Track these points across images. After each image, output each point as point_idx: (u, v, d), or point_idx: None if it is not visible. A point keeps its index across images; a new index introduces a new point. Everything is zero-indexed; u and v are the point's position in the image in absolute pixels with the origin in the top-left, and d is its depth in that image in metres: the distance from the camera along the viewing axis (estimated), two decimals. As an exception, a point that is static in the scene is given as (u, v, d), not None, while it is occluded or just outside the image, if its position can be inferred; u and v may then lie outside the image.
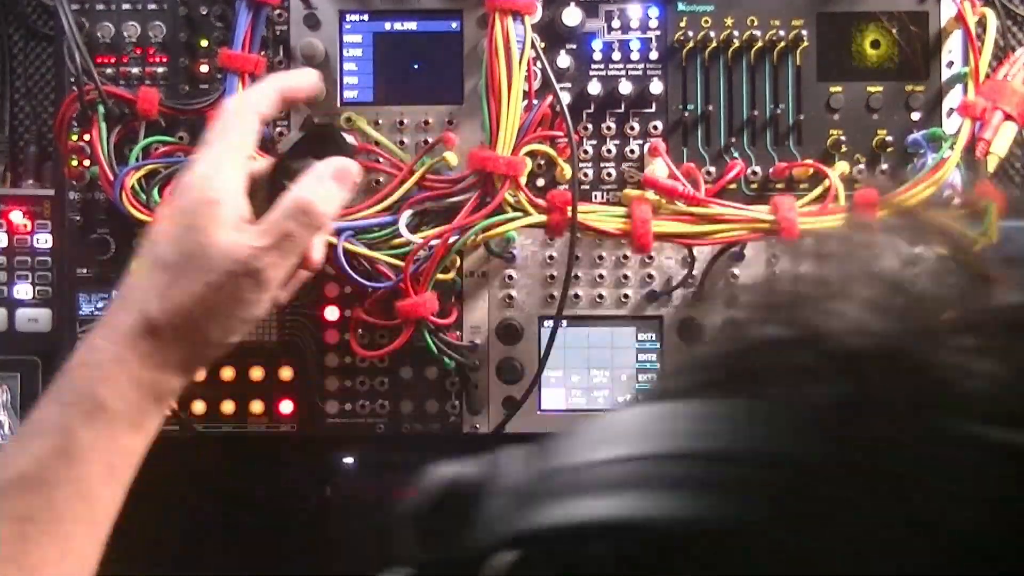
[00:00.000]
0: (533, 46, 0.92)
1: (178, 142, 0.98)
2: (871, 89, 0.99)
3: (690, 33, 0.99)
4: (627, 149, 1.00)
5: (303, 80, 0.83)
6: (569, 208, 0.91)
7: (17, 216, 1.05)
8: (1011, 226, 0.78)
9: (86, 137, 0.98)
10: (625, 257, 0.99)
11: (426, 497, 0.39)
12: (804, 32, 0.99)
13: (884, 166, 0.99)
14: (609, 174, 0.99)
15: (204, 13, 1.00)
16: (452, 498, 0.38)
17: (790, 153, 0.99)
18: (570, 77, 0.99)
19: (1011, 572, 0.28)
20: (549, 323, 0.99)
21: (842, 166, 0.98)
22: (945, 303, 0.34)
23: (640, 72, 1.00)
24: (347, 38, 1.00)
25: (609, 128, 0.99)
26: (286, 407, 1.00)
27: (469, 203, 0.92)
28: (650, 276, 1.00)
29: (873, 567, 0.28)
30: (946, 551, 0.28)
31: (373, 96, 1.00)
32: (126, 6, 1.00)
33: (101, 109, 0.96)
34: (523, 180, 0.92)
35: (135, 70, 1.00)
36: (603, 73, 1.00)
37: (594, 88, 0.98)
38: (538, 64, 0.93)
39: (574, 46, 0.99)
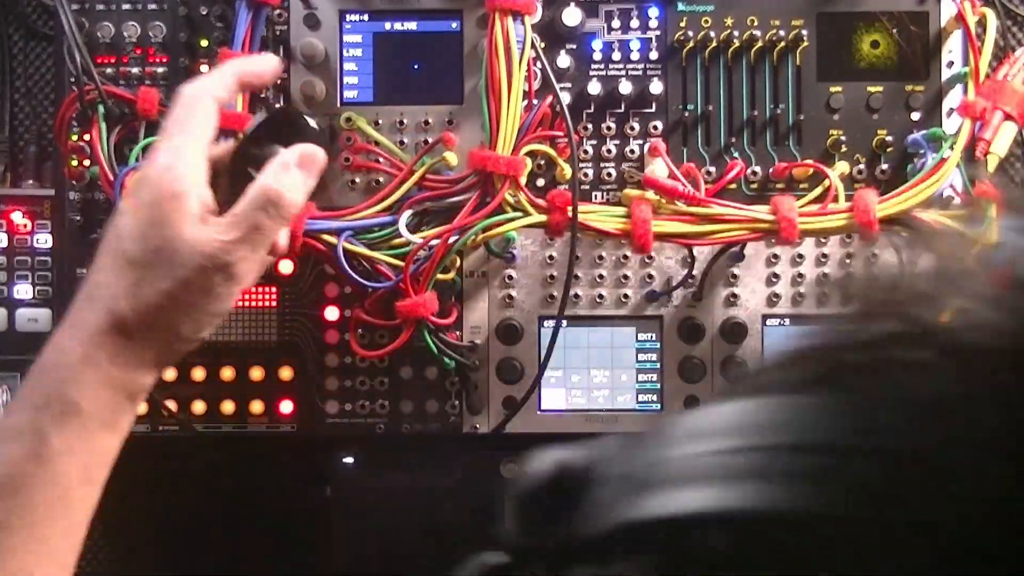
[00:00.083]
0: (533, 46, 0.92)
1: (178, 142, 0.98)
2: (871, 89, 0.99)
3: (690, 33, 0.99)
4: (627, 149, 1.00)
5: (262, 65, 0.81)
6: (569, 208, 0.91)
7: (17, 216, 1.05)
8: None
9: (86, 137, 0.98)
10: (625, 257, 0.99)
11: (531, 483, 0.38)
12: (804, 32, 0.99)
13: (884, 166, 0.99)
14: (609, 174, 0.99)
15: (204, 13, 1.00)
16: (557, 484, 0.38)
17: (790, 153, 1.00)
18: (570, 77, 0.99)
19: None
20: (549, 323, 0.99)
21: (842, 166, 0.98)
22: None
23: (640, 72, 1.00)
24: (347, 38, 1.00)
25: (609, 128, 0.99)
26: (286, 407, 1.00)
27: (469, 203, 0.92)
28: (650, 276, 1.00)
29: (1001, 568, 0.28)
30: None
31: (373, 96, 1.00)
32: (126, 6, 1.00)
33: (101, 109, 0.96)
34: (523, 180, 0.92)
35: (135, 70, 1.00)
36: (603, 73, 1.00)
37: (594, 88, 0.98)
38: (538, 64, 0.93)
39: (574, 46, 0.99)
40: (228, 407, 1.00)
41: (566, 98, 0.96)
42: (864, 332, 0.36)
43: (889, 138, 0.99)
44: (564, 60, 0.98)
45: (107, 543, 1.15)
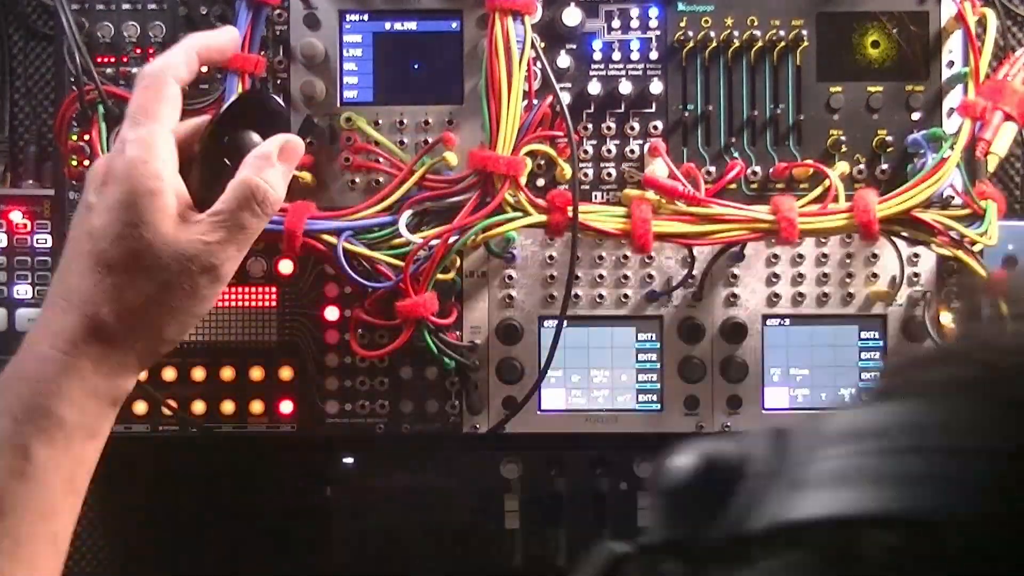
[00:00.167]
0: (533, 46, 0.91)
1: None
2: (871, 89, 0.99)
3: (690, 33, 0.99)
4: (627, 149, 0.99)
5: (220, 38, 0.78)
6: (569, 208, 0.91)
7: (17, 216, 1.05)
8: None
9: (86, 137, 0.97)
10: (625, 257, 0.99)
11: (678, 477, 0.38)
12: (804, 32, 0.99)
13: (884, 166, 0.99)
14: (609, 174, 0.99)
15: (204, 13, 1.00)
16: (705, 479, 0.37)
17: (790, 153, 0.99)
18: (570, 77, 0.99)
19: None
20: (549, 323, 0.99)
21: (842, 166, 0.98)
22: None
23: (640, 72, 1.00)
24: (347, 38, 1.00)
25: (609, 128, 0.99)
26: (286, 407, 1.00)
27: (469, 203, 0.92)
28: (650, 276, 1.00)
29: None
30: None
31: (373, 96, 1.00)
32: (126, 6, 1.00)
33: (101, 109, 0.96)
34: (523, 180, 0.92)
35: (135, 70, 1.00)
36: (603, 73, 1.00)
37: (594, 88, 0.98)
38: (538, 64, 0.93)
39: (574, 46, 0.99)
40: (228, 407, 1.00)
41: (566, 98, 0.96)
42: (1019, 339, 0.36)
43: (889, 138, 0.99)
44: (564, 60, 0.98)
45: (107, 543, 1.15)
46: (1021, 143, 1.11)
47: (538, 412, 1.00)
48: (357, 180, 0.99)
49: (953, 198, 0.94)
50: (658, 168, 0.97)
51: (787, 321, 1.00)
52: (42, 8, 1.16)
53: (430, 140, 0.97)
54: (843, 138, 0.99)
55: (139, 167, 0.67)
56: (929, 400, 0.35)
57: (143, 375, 0.88)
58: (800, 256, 1.00)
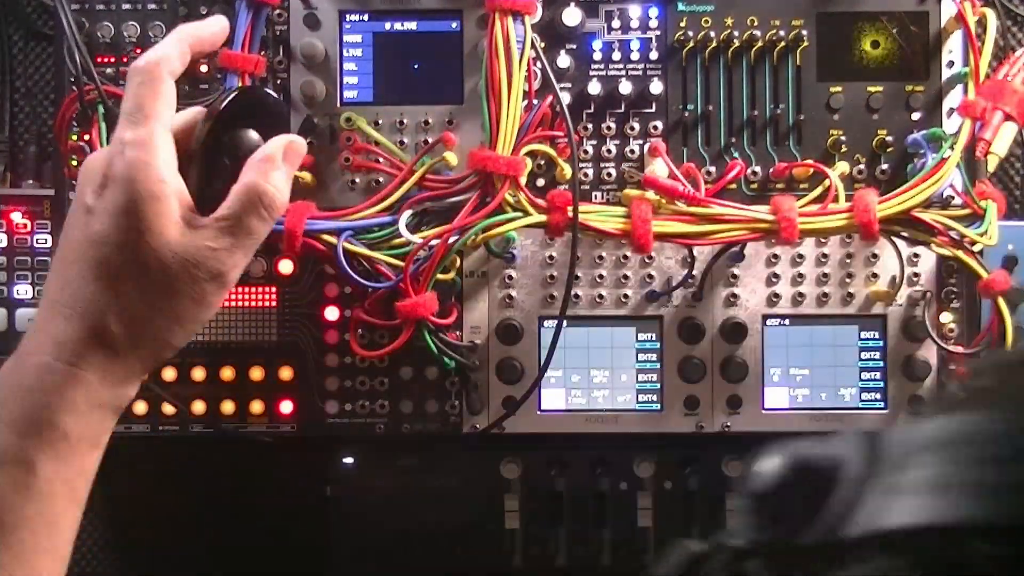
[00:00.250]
0: (533, 46, 0.91)
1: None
2: (871, 89, 0.99)
3: (690, 33, 0.99)
4: (627, 149, 1.00)
5: (212, 28, 0.75)
6: (569, 208, 0.91)
7: (17, 216, 1.05)
8: None
9: (86, 137, 0.98)
10: (625, 257, 0.99)
11: (767, 480, 0.38)
12: (804, 32, 0.99)
13: (884, 166, 0.99)
14: (609, 174, 0.99)
15: (204, 13, 1.00)
16: (796, 483, 0.37)
17: (790, 153, 0.99)
18: (570, 77, 0.99)
19: None
20: (549, 323, 0.99)
21: (842, 166, 0.98)
22: None
23: (640, 72, 1.00)
24: (347, 38, 1.00)
25: (609, 128, 0.99)
26: (286, 407, 1.00)
27: (469, 203, 0.92)
28: (650, 276, 1.00)
29: None
30: None
31: (373, 96, 1.00)
32: (126, 6, 1.00)
33: (101, 109, 0.96)
34: (523, 180, 0.92)
35: (135, 70, 1.00)
36: (603, 73, 1.00)
37: (594, 88, 0.98)
38: (538, 64, 0.93)
39: (574, 46, 0.99)
40: (228, 407, 1.00)
41: (566, 98, 0.96)
42: None
43: (889, 138, 0.99)
44: (564, 60, 0.98)
45: (107, 543, 1.15)
46: (1021, 143, 1.11)
47: (538, 412, 1.00)
48: (357, 180, 0.99)
49: (953, 198, 0.94)
50: (658, 168, 0.97)
51: (787, 321, 1.00)
52: (42, 8, 1.16)
53: (430, 140, 0.97)
54: (843, 138, 0.99)
55: (141, 170, 0.64)
56: (1014, 408, 0.35)
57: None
58: (800, 256, 1.00)
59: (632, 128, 0.99)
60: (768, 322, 1.00)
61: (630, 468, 1.04)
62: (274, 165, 0.70)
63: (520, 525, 1.05)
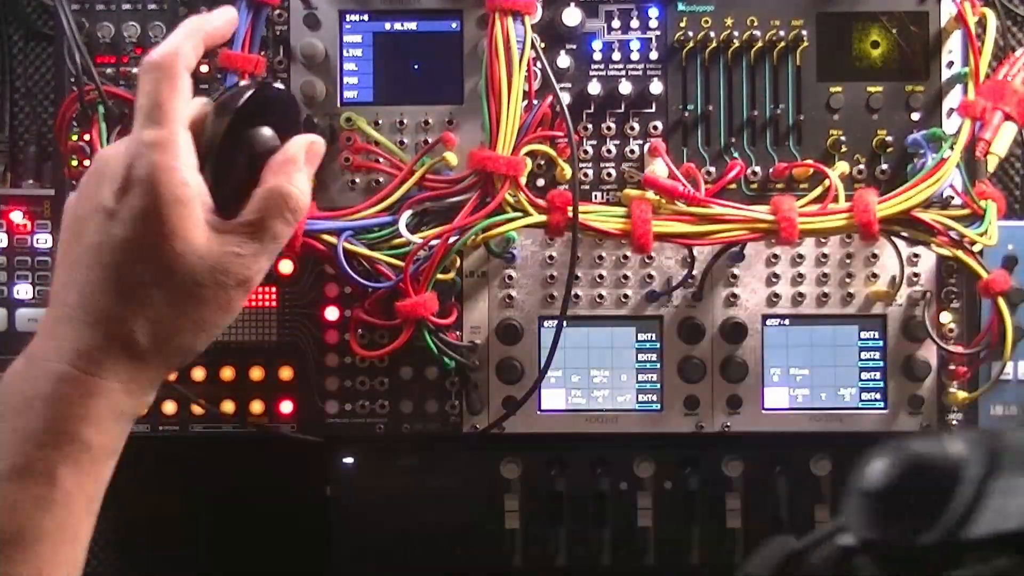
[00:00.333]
0: (533, 46, 0.91)
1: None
2: (871, 89, 0.99)
3: (690, 33, 0.99)
4: (627, 149, 1.00)
5: (222, 19, 0.73)
6: (569, 208, 0.91)
7: (17, 216, 1.05)
8: None
9: (86, 137, 0.98)
10: (625, 257, 0.99)
11: (885, 477, 0.37)
12: (804, 32, 0.99)
13: (884, 166, 0.99)
14: (609, 174, 0.99)
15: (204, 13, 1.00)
16: (915, 481, 0.37)
17: (790, 153, 1.00)
18: (570, 77, 0.99)
19: None
20: (549, 323, 0.99)
21: (842, 166, 0.98)
22: None
23: (640, 72, 1.00)
24: (347, 38, 1.00)
25: (609, 128, 0.99)
26: (286, 407, 1.00)
27: (469, 203, 0.92)
28: (650, 276, 1.00)
29: None
30: None
31: (373, 96, 1.00)
32: (126, 6, 1.00)
33: (101, 109, 0.96)
34: (523, 180, 0.92)
35: (135, 70, 1.00)
36: (603, 73, 1.00)
37: (594, 88, 0.98)
38: (538, 64, 0.93)
39: (574, 46, 0.99)
40: (228, 407, 1.00)
41: (566, 98, 0.96)
42: None
43: (889, 138, 0.99)
44: (564, 60, 0.98)
45: (107, 543, 1.15)
46: (1021, 143, 1.11)
47: (538, 412, 1.00)
48: (357, 180, 0.99)
49: (953, 198, 0.94)
50: (658, 168, 0.97)
51: (787, 321, 1.00)
52: (42, 8, 1.16)
53: (430, 140, 0.97)
54: (843, 138, 0.99)
55: (165, 173, 0.62)
56: None
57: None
58: (800, 256, 1.00)
59: (632, 128, 0.99)
60: (768, 322, 1.00)
61: (630, 468, 1.04)
62: (297, 167, 0.68)
63: (520, 525, 1.05)
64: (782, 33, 0.99)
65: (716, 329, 1.00)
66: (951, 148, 0.92)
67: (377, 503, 1.05)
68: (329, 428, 1.01)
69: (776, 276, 1.00)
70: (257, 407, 1.00)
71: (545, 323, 1.00)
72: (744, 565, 0.40)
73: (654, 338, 1.00)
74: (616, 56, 1.00)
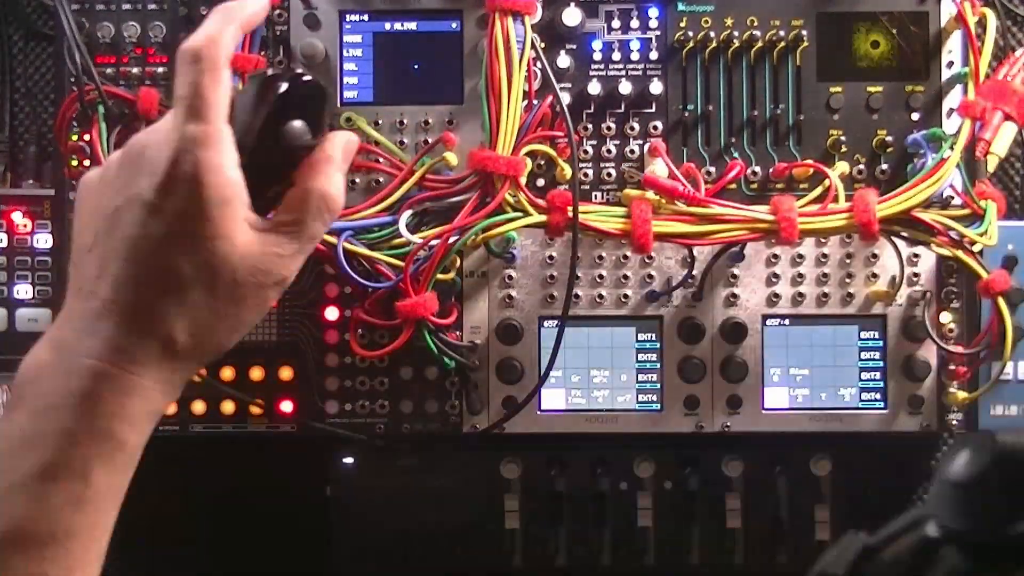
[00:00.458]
0: (533, 46, 0.92)
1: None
2: (871, 89, 0.99)
3: (690, 33, 0.99)
4: (627, 149, 1.00)
5: (257, 6, 0.69)
6: (569, 208, 0.91)
7: (17, 216, 1.05)
8: None
9: (86, 137, 0.98)
10: (625, 257, 0.99)
11: (974, 469, 0.37)
12: (804, 32, 0.99)
13: (884, 166, 0.99)
14: (609, 174, 0.99)
15: (204, 13, 1.00)
16: (1006, 474, 0.36)
17: (790, 153, 1.00)
18: (570, 77, 0.99)
19: None
20: (549, 323, 0.99)
21: (842, 166, 0.98)
22: None
23: (640, 72, 1.00)
24: (347, 38, 1.00)
25: (609, 128, 0.99)
26: (286, 407, 1.00)
27: (469, 203, 0.92)
28: (650, 276, 1.00)
29: None
30: None
31: (373, 96, 1.00)
32: (126, 6, 1.00)
33: (101, 109, 0.96)
34: (523, 180, 0.92)
35: (135, 70, 1.00)
36: (603, 73, 1.00)
37: (594, 88, 0.98)
38: (538, 64, 0.93)
39: (574, 46, 0.99)
40: (228, 407, 1.00)
41: (566, 98, 0.96)
42: None
43: (889, 138, 0.99)
44: (564, 60, 0.98)
45: (107, 543, 1.15)
46: (1021, 143, 1.11)
47: (538, 412, 1.00)
48: (357, 180, 0.99)
49: (953, 198, 0.94)
50: (658, 168, 0.97)
51: (787, 321, 1.00)
52: (42, 8, 1.16)
53: (430, 140, 0.97)
54: (843, 138, 0.99)
55: (212, 173, 0.60)
56: None
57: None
58: (800, 256, 1.00)
59: (632, 128, 0.99)
60: (768, 322, 1.00)
61: (630, 468, 1.04)
62: (336, 166, 0.67)
63: (520, 525, 1.05)
64: (782, 33, 0.99)
65: (716, 329, 1.00)
66: (951, 148, 0.92)
67: (377, 503, 1.05)
68: (329, 428, 1.01)
69: (776, 276, 1.00)
70: (257, 407, 1.00)
71: (545, 323, 1.00)
72: (818, 562, 0.40)
73: (654, 338, 1.00)
74: (616, 56, 1.00)
